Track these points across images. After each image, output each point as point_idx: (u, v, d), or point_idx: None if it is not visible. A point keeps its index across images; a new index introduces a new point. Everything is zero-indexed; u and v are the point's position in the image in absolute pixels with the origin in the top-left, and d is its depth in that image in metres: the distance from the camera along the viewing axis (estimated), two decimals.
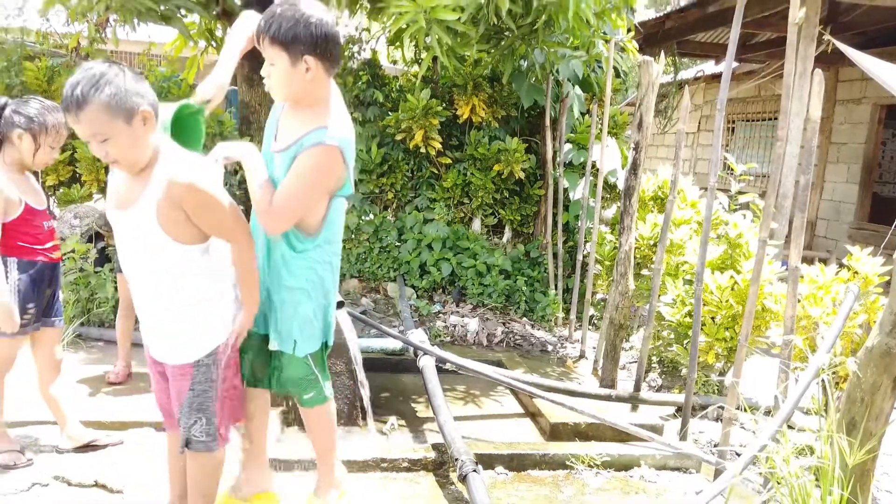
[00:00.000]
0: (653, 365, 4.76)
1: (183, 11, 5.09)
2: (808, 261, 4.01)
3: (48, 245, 2.91)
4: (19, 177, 2.80)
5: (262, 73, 2.10)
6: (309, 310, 2.26)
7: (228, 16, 5.52)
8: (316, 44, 2.01)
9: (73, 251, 4.74)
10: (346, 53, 6.10)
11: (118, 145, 1.94)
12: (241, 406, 2.37)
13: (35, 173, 2.98)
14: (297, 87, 2.08)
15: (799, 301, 3.64)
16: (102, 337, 4.61)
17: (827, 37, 5.93)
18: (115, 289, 4.11)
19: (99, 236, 5.13)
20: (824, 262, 4.08)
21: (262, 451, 2.54)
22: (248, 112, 5.88)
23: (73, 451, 3.05)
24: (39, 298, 2.88)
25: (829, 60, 7.19)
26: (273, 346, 2.31)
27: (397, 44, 5.29)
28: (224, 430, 2.26)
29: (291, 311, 2.25)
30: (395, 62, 9.26)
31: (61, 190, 5.56)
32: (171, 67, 6.28)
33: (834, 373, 3.09)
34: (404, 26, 3.83)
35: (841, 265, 3.92)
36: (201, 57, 6.32)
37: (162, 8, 4.71)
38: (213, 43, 6.11)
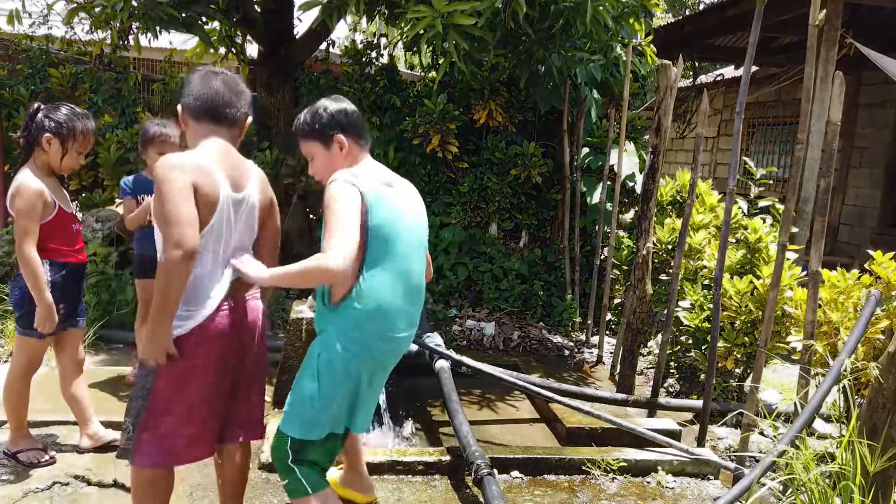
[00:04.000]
0: (671, 370, 4.71)
1: (204, 19, 5.16)
2: (829, 266, 3.95)
3: (76, 247, 2.97)
4: (50, 180, 2.86)
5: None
6: (308, 390, 2.09)
7: (248, 23, 5.60)
8: (340, 123, 2.28)
9: (94, 255, 4.81)
10: (363, 59, 6.15)
11: None
12: (190, 440, 2.11)
13: (60, 177, 3.03)
14: (332, 165, 2.28)
15: (820, 306, 3.59)
16: (123, 339, 4.67)
17: (849, 40, 5.87)
18: (135, 292, 4.16)
19: (120, 240, 5.20)
20: (846, 267, 4.02)
21: (358, 461, 2.75)
22: (266, 118, 5.95)
23: (93, 451, 3.09)
24: (68, 299, 2.93)
25: (852, 64, 7.10)
26: None
27: (415, 49, 5.32)
28: (149, 448, 2.06)
29: (298, 381, 2.15)
30: (412, 67, 9.31)
31: (84, 194, 5.65)
32: None
33: (855, 379, 3.05)
34: (422, 32, 3.86)
35: (863, 270, 3.86)
36: (221, 63, 6.41)
37: (183, 15, 4.79)
38: (232, 49, 6.20)
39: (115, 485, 2.85)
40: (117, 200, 5.51)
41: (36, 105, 2.85)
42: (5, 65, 6.24)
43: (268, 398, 3.74)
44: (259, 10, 5.55)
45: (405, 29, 4.30)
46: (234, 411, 2.23)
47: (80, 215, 5.46)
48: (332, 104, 2.29)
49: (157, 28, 4.73)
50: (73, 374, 3.07)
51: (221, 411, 2.18)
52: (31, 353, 2.91)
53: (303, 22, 6.78)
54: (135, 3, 4.49)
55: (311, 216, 5.78)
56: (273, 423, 3.37)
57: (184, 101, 2.15)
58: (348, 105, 2.30)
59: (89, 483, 2.86)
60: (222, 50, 6.22)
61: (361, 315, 2.09)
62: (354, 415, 2.17)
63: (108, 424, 3.18)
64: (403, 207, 2.25)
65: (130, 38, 5.54)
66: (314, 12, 4.75)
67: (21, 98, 5.75)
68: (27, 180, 2.75)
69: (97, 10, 4.77)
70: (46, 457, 2.97)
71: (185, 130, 2.20)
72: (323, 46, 6.52)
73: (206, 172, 2.01)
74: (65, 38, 6.61)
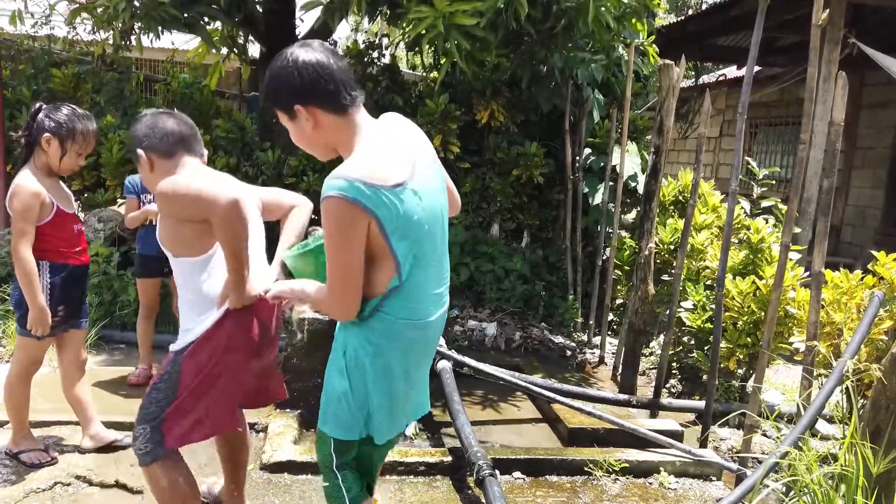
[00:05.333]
0: (673, 371, 4.70)
1: (206, 19, 5.16)
2: (833, 266, 3.93)
3: (77, 248, 2.96)
4: (49, 181, 2.85)
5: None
6: (339, 387, 1.86)
7: (250, 23, 5.59)
8: (295, 92, 1.75)
9: (96, 255, 4.82)
10: (365, 59, 6.14)
11: None
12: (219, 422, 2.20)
13: (63, 178, 3.03)
14: (308, 140, 1.84)
15: (823, 307, 3.57)
16: (125, 339, 4.67)
17: (852, 40, 5.85)
18: (137, 292, 4.17)
19: (122, 240, 5.21)
20: (849, 267, 4.01)
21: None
22: (269, 118, 5.95)
23: (94, 452, 3.09)
24: (69, 301, 2.93)
25: (855, 64, 7.08)
26: None
27: (416, 49, 5.32)
28: (179, 429, 2.14)
29: (328, 376, 1.92)
30: (414, 67, 9.30)
31: (86, 194, 5.65)
32: (194, 74, 6.37)
33: (858, 380, 3.03)
34: (423, 32, 3.85)
35: (866, 271, 3.85)
36: (223, 63, 6.41)
37: (185, 16, 4.79)
38: (234, 50, 6.20)
39: (117, 485, 2.85)
40: (119, 201, 5.51)
41: (38, 105, 2.84)
42: (8, 65, 6.25)
43: None
44: (261, 10, 5.55)
45: (407, 29, 4.29)
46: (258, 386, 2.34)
47: (82, 216, 5.47)
48: (301, 55, 1.76)
49: (159, 28, 4.73)
50: (76, 374, 3.06)
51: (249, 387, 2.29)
52: (31, 353, 2.91)
53: (305, 22, 6.79)
54: (137, 4, 4.49)
55: (313, 216, 5.78)
56: (274, 423, 3.38)
57: (145, 144, 2.18)
58: (319, 56, 1.76)
59: (91, 483, 2.86)
60: (224, 50, 6.22)
61: (387, 307, 1.81)
62: (393, 416, 1.91)
63: (109, 425, 3.19)
64: (424, 199, 1.79)
65: (132, 38, 5.53)
66: (316, 12, 4.74)
67: (23, 98, 5.75)
68: (25, 181, 2.74)
69: (99, 10, 4.77)
70: (48, 457, 2.97)
71: (148, 174, 2.22)
72: None
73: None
74: (67, 39, 6.63)
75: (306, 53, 1.75)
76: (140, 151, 2.18)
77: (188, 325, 2.16)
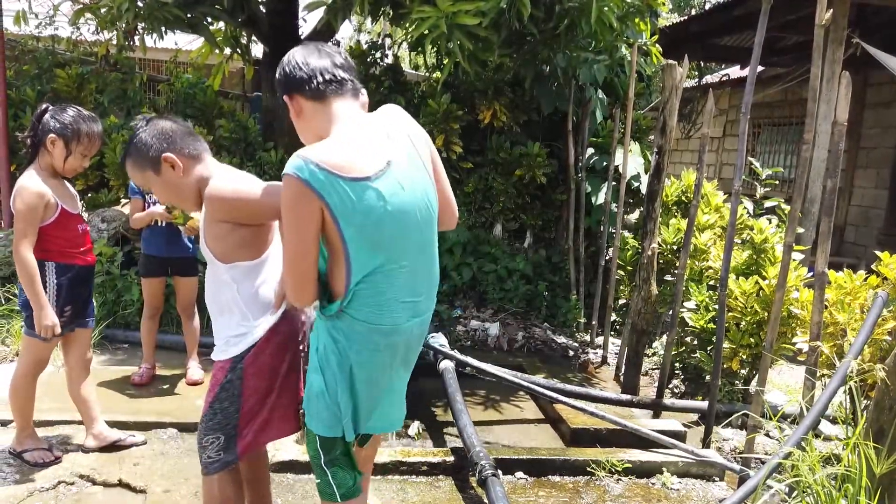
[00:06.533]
0: (676, 371, 4.70)
1: (209, 19, 5.17)
2: (836, 267, 3.93)
3: (83, 248, 2.96)
4: (54, 181, 2.86)
5: None
6: (316, 385, 1.88)
7: (253, 23, 5.60)
8: (281, 83, 1.88)
9: (100, 254, 4.83)
10: (368, 59, 6.15)
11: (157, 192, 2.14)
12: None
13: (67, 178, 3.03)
14: (300, 131, 1.92)
15: (826, 307, 3.57)
16: (128, 339, 4.68)
17: (856, 40, 5.84)
18: (141, 292, 4.18)
19: (126, 240, 5.22)
20: (853, 268, 4.00)
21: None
22: (271, 118, 5.96)
23: (98, 451, 3.10)
24: (75, 301, 2.93)
25: (859, 64, 7.07)
26: None
27: (419, 49, 5.32)
28: (251, 437, 2.10)
29: (308, 373, 1.95)
30: (417, 68, 9.30)
31: (90, 194, 5.67)
32: (198, 74, 6.38)
33: (862, 380, 3.03)
34: (426, 32, 3.85)
35: (870, 271, 3.84)
36: (227, 64, 6.42)
37: (189, 16, 4.80)
38: (237, 50, 6.21)
39: (120, 484, 2.86)
40: (123, 201, 5.52)
41: (43, 106, 2.84)
42: (12, 65, 6.26)
43: None
44: (264, 10, 5.55)
45: (410, 29, 4.30)
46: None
47: (85, 215, 5.48)
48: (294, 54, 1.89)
49: (163, 28, 4.74)
50: (81, 373, 3.07)
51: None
52: (37, 353, 2.92)
53: (308, 22, 6.79)
54: (140, 4, 4.50)
55: None
56: None
57: (162, 148, 2.04)
58: (304, 50, 1.88)
59: (94, 482, 2.87)
60: (227, 50, 6.23)
61: (349, 306, 1.80)
62: (357, 416, 1.90)
63: (113, 424, 3.20)
64: (392, 201, 1.74)
65: (136, 38, 5.55)
66: (319, 13, 4.75)
67: (27, 98, 5.77)
68: (29, 182, 2.75)
69: (103, 10, 4.78)
70: (52, 456, 2.98)
71: (177, 180, 2.07)
72: None
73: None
74: (71, 39, 6.64)
75: (295, 50, 1.89)
76: (168, 154, 2.03)
77: (240, 329, 2.06)
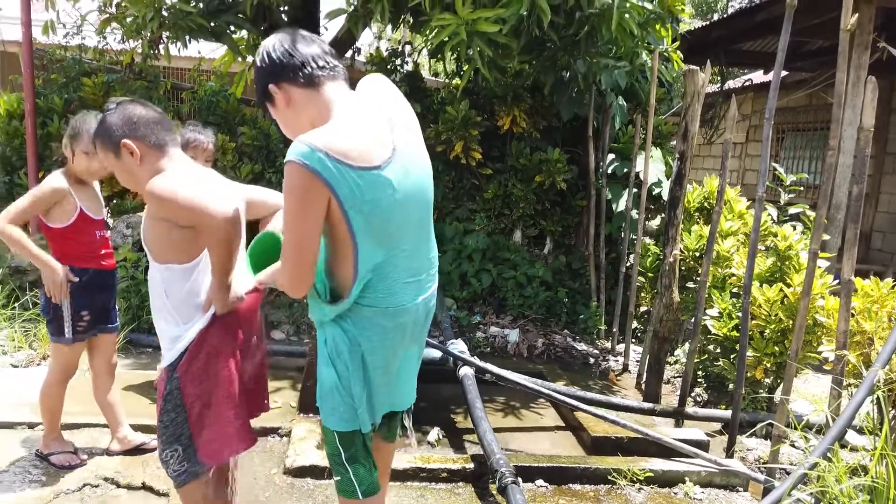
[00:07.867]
0: (698, 380, 4.65)
1: (232, 28, 5.24)
2: (862, 274, 3.86)
3: (99, 253, 3.01)
4: (79, 186, 2.93)
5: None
6: (329, 379, 1.85)
7: (276, 32, 5.67)
8: (267, 72, 1.78)
9: (124, 260, 4.90)
10: (388, 66, 6.18)
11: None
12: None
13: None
14: (292, 123, 1.83)
15: (852, 315, 3.51)
16: (152, 343, 4.74)
17: (882, 44, 5.76)
18: None
19: None
20: (880, 275, 3.93)
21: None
22: None
23: (122, 454, 3.14)
24: (93, 305, 2.98)
25: (885, 68, 6.96)
26: None
27: (439, 56, 5.34)
28: (209, 446, 2.05)
29: (318, 370, 1.91)
30: (436, 74, 9.34)
31: (114, 200, 5.76)
32: (221, 82, 6.46)
33: (889, 390, 2.97)
34: (446, 39, 3.86)
35: None
36: (249, 71, 6.49)
37: (212, 25, 4.86)
38: None
39: (144, 487, 2.90)
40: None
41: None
42: (40, 74, 6.39)
43: (293, 403, 3.78)
44: (286, 18, 5.61)
45: (430, 36, 4.31)
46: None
47: (111, 222, 5.56)
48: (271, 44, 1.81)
49: (187, 37, 4.81)
50: (106, 378, 3.12)
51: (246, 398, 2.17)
52: (64, 358, 2.96)
53: (329, 30, 6.86)
54: (165, 14, 4.57)
55: None
56: (297, 427, 3.40)
57: (129, 134, 2.01)
58: (281, 36, 1.82)
59: (119, 485, 2.91)
60: (249, 58, 6.30)
61: (354, 295, 1.78)
62: (372, 404, 1.89)
63: (137, 427, 3.23)
64: (401, 187, 1.71)
65: (160, 47, 5.63)
66: (340, 21, 4.79)
67: (55, 107, 5.88)
68: (50, 178, 2.86)
69: (129, 20, 4.86)
70: (77, 459, 3.03)
71: (134, 167, 2.04)
72: (348, 54, 6.58)
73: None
74: (97, 48, 6.75)
75: (270, 39, 1.82)
76: (127, 141, 2.00)
77: (173, 333, 2.05)
